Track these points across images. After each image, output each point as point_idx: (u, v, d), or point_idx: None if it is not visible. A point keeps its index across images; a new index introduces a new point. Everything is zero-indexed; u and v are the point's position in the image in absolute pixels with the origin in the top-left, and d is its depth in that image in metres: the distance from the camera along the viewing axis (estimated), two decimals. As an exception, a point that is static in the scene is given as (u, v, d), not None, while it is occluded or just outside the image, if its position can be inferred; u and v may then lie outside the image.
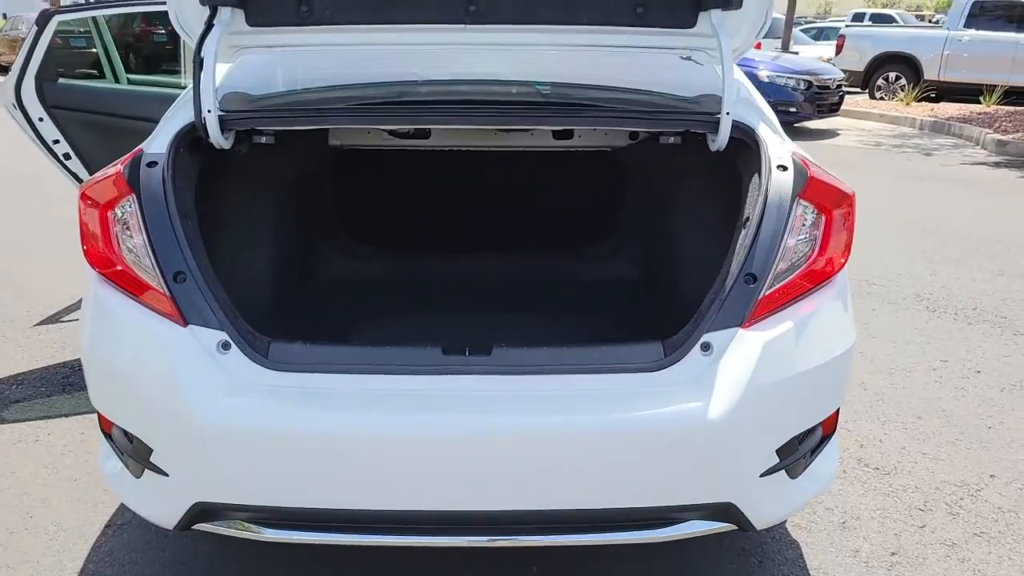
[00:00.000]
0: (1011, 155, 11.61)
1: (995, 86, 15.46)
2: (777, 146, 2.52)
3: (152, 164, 2.42)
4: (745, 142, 2.57)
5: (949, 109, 15.40)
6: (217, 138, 2.55)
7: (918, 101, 16.25)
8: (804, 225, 2.35)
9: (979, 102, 15.47)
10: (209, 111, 2.48)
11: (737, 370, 2.22)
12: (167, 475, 2.28)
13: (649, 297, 3.62)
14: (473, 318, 3.25)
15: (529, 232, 3.92)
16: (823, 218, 2.36)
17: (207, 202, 2.73)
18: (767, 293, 2.28)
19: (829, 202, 2.38)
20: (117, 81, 5.36)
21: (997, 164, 11.08)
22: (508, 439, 2.16)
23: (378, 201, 3.89)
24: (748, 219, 2.41)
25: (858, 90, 17.47)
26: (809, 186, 2.39)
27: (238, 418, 2.18)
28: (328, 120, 2.61)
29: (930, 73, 16.57)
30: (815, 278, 2.34)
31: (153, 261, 2.28)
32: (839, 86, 13.75)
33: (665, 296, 3.44)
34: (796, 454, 2.37)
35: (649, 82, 2.92)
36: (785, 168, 2.43)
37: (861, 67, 17.37)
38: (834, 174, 2.51)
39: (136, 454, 2.33)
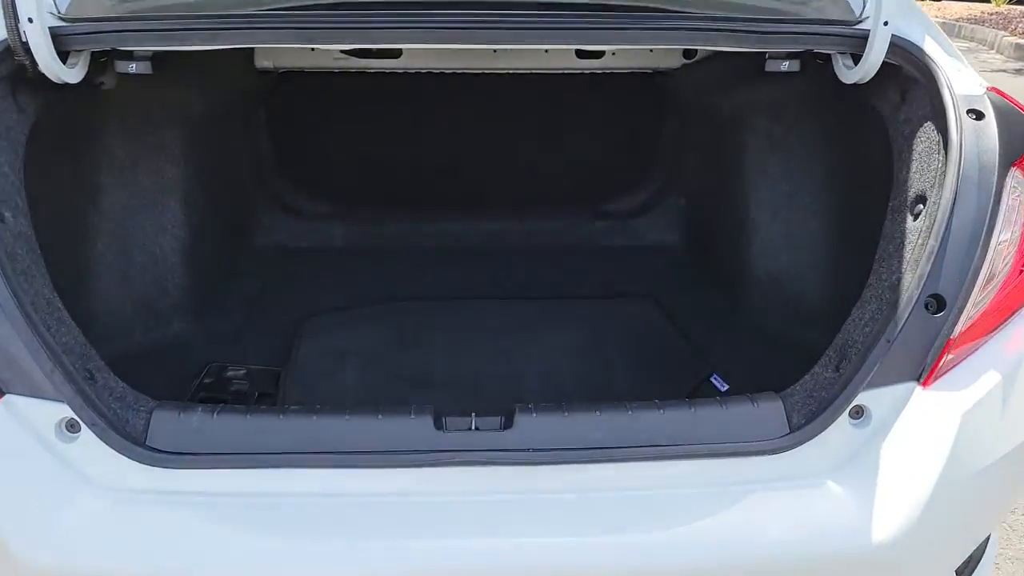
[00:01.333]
0: (1032, 60, 10.68)
1: (1004, -17, 14.33)
2: (963, 79, 1.59)
3: None
4: (905, 71, 1.63)
5: (955, 9, 14.30)
6: (52, 66, 1.54)
7: (920, 0, 15.10)
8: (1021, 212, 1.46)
9: (988, 1, 14.37)
10: (31, 20, 1.47)
11: (915, 454, 1.38)
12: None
13: (695, 274, 2.72)
14: (460, 317, 2.34)
15: (537, 184, 2.97)
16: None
17: (55, 172, 1.77)
18: (965, 328, 1.40)
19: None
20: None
21: (1018, 71, 10.15)
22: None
23: (332, 143, 2.89)
24: (920, 200, 1.51)
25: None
26: None
27: (93, 559, 1.30)
28: (237, 35, 1.61)
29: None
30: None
31: None
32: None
33: (721, 275, 2.56)
34: (972, 568, 1.57)
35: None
36: (981, 115, 1.51)
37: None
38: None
39: None
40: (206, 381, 2.02)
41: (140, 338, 2.22)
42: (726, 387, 2.11)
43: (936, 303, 1.39)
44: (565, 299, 2.51)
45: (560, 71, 2.64)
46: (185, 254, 2.32)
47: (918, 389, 1.40)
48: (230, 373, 2.08)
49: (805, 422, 1.41)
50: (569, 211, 2.99)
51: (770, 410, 1.46)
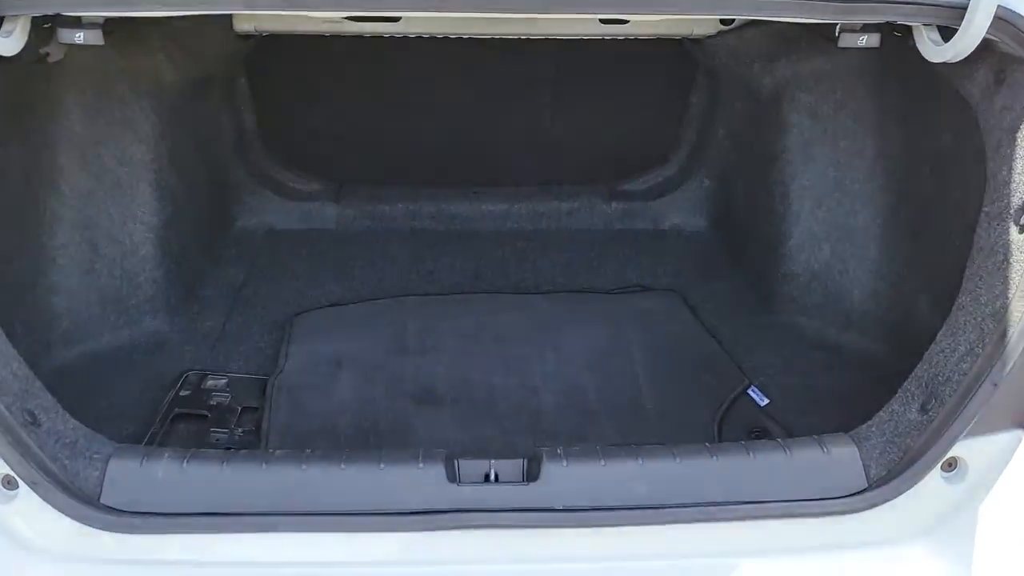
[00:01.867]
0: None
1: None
2: None
3: None
4: (1004, 48, 1.36)
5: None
6: None
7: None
8: None
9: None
10: None
11: (1022, 517, 1.16)
12: None
13: (722, 262, 2.47)
14: (467, 316, 2.09)
15: (549, 161, 2.69)
16: None
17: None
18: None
19: None
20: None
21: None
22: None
23: (323, 115, 2.60)
24: None
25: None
26: None
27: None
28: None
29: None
30: None
31: None
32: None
33: (752, 267, 2.32)
34: None
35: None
36: None
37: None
38: None
39: None
40: (182, 394, 1.78)
41: (109, 338, 1.98)
42: (766, 401, 1.88)
43: None
44: (581, 293, 2.27)
45: (578, 37, 2.35)
46: (158, 243, 2.06)
47: (1027, 439, 1.18)
48: (210, 383, 1.84)
49: (887, 475, 1.19)
50: (583, 191, 2.73)
51: (844, 458, 1.23)
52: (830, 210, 2.10)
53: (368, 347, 1.96)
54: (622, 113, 2.66)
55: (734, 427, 1.79)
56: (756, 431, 1.78)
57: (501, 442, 1.64)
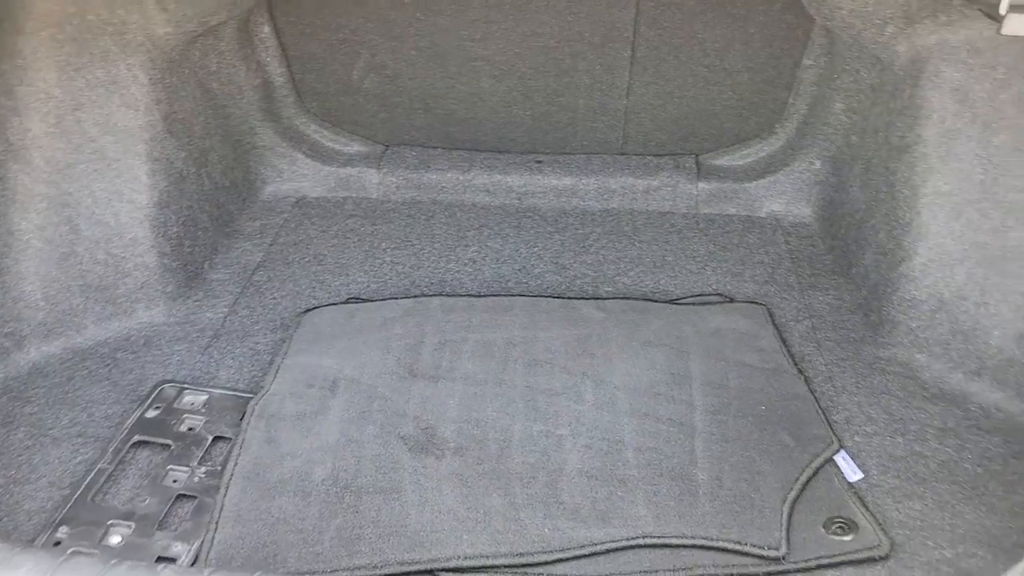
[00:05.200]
0: None
1: None
2: None
3: None
4: None
5: None
6: None
7: None
8: None
9: None
10: None
11: None
12: None
13: (828, 263, 2.00)
14: (500, 328, 1.75)
15: (625, 127, 2.25)
16: None
17: None
18: None
19: None
20: None
21: None
22: None
23: (364, 64, 2.24)
24: None
25: None
26: None
27: None
28: None
29: None
30: None
31: None
32: None
33: (863, 280, 1.85)
34: None
35: None
36: None
37: None
38: None
39: None
40: (149, 416, 1.54)
41: (93, 331, 1.77)
42: (858, 475, 1.47)
43: None
44: (646, 302, 1.88)
45: None
46: (150, 224, 1.81)
47: None
48: (187, 399, 1.59)
49: None
50: (666, 165, 2.29)
51: None
52: (971, 223, 1.61)
53: (373, 365, 1.65)
54: (717, 73, 2.17)
55: (811, 511, 1.39)
56: (839, 522, 1.38)
57: (503, 519, 1.32)
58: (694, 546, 1.30)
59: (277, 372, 1.64)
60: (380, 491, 1.37)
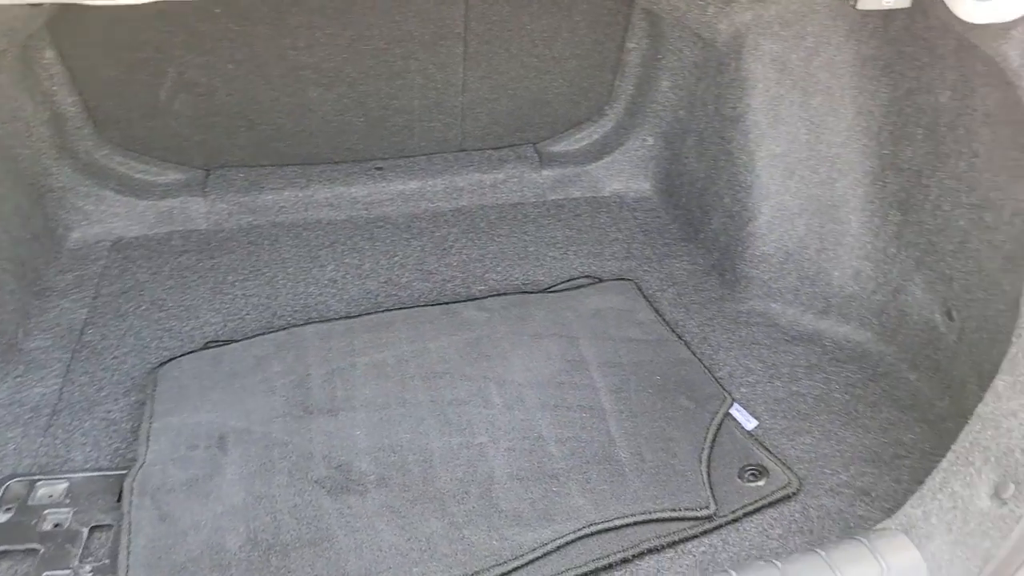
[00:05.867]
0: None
1: None
2: None
3: None
4: None
5: None
6: None
7: None
8: None
9: None
10: None
11: None
12: None
13: (674, 232, 2.12)
14: (385, 347, 1.67)
15: (464, 123, 2.22)
16: None
17: None
18: None
19: None
20: None
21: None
22: None
23: (171, 79, 2.01)
24: None
25: None
26: None
27: None
28: None
29: None
30: None
31: None
32: None
33: (713, 244, 1.98)
34: None
35: None
36: None
37: None
38: None
39: None
40: (1, 520, 1.29)
41: None
42: (753, 423, 1.57)
43: None
44: (522, 295, 1.88)
45: None
46: None
47: None
48: (42, 492, 1.36)
49: None
50: (508, 157, 2.30)
51: (906, 569, 0.92)
52: (804, 179, 1.78)
53: (260, 410, 1.51)
54: (546, 62, 2.21)
55: (724, 466, 1.48)
56: (751, 469, 1.47)
57: (448, 542, 1.26)
58: (636, 523, 1.33)
59: (148, 439, 1.44)
60: (309, 543, 1.25)
